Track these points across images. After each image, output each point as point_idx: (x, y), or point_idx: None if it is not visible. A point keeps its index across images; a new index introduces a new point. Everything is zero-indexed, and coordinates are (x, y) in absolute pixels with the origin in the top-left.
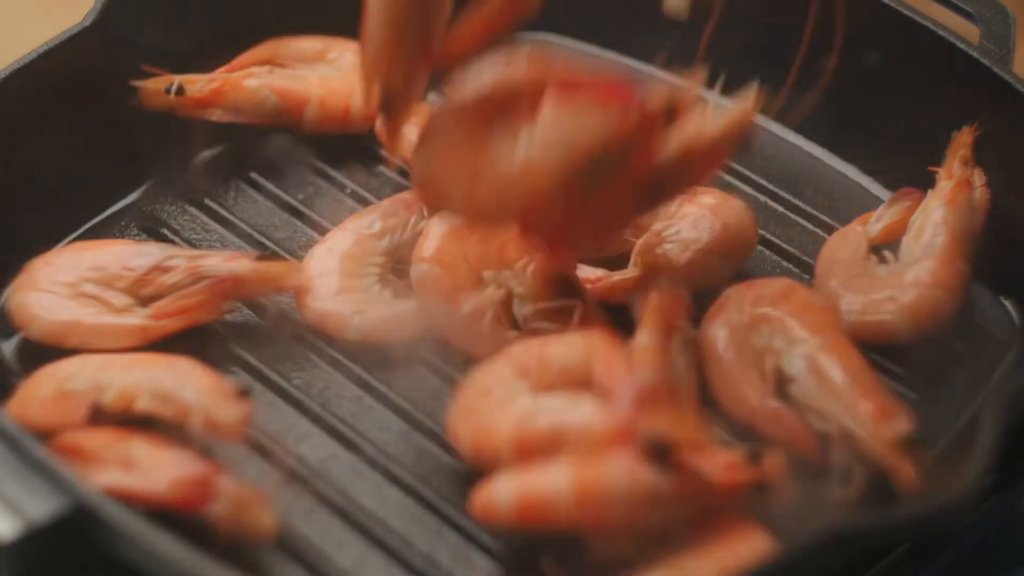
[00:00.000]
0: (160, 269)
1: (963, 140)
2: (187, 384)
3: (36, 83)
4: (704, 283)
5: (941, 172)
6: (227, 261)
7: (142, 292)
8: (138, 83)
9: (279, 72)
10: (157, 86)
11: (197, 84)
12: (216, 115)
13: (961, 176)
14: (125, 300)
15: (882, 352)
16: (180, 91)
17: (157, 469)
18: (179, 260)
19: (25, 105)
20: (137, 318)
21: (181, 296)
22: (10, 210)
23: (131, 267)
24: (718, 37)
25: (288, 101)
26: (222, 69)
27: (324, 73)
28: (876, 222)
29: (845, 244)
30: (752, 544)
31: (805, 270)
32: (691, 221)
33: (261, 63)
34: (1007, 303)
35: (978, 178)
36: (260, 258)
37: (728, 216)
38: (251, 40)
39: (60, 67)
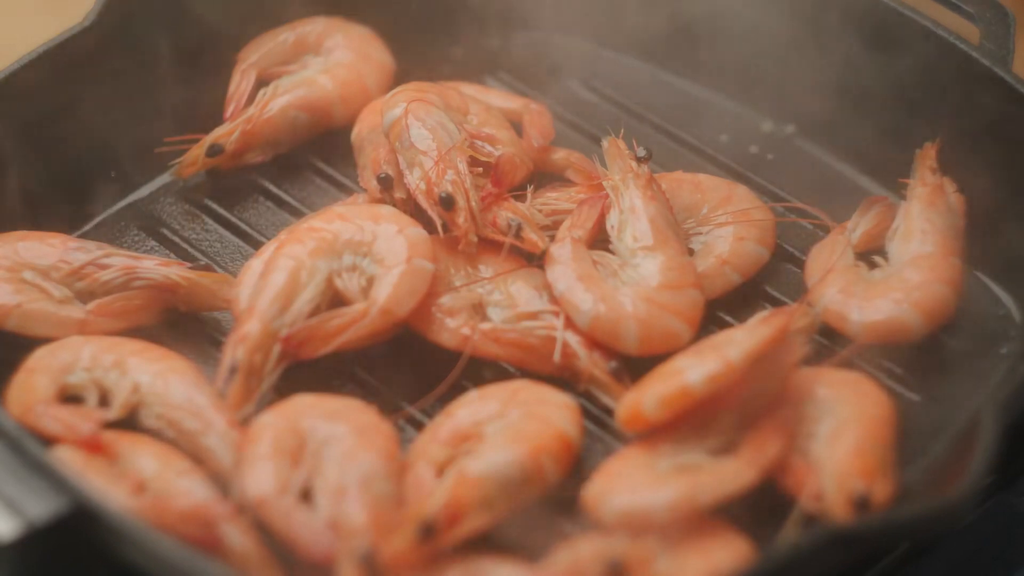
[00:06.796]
0: (96, 265)
1: (928, 153)
2: (212, 430)
3: (36, 83)
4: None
5: (914, 181)
6: (162, 266)
7: (76, 285)
8: (173, 162)
9: (283, 84)
10: (191, 156)
11: (231, 136)
12: (256, 156)
13: (935, 182)
14: (64, 292)
15: (883, 353)
16: (219, 151)
17: (166, 498)
18: (116, 259)
19: (25, 105)
20: (78, 312)
21: (121, 298)
22: (9, 210)
23: (68, 260)
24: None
25: (315, 112)
26: (230, 111)
27: (323, 67)
28: (853, 231)
29: (832, 254)
30: (734, 550)
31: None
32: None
33: (257, 87)
34: (1007, 303)
35: (949, 185)
36: (195, 268)
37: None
38: (250, 36)
39: (60, 67)
